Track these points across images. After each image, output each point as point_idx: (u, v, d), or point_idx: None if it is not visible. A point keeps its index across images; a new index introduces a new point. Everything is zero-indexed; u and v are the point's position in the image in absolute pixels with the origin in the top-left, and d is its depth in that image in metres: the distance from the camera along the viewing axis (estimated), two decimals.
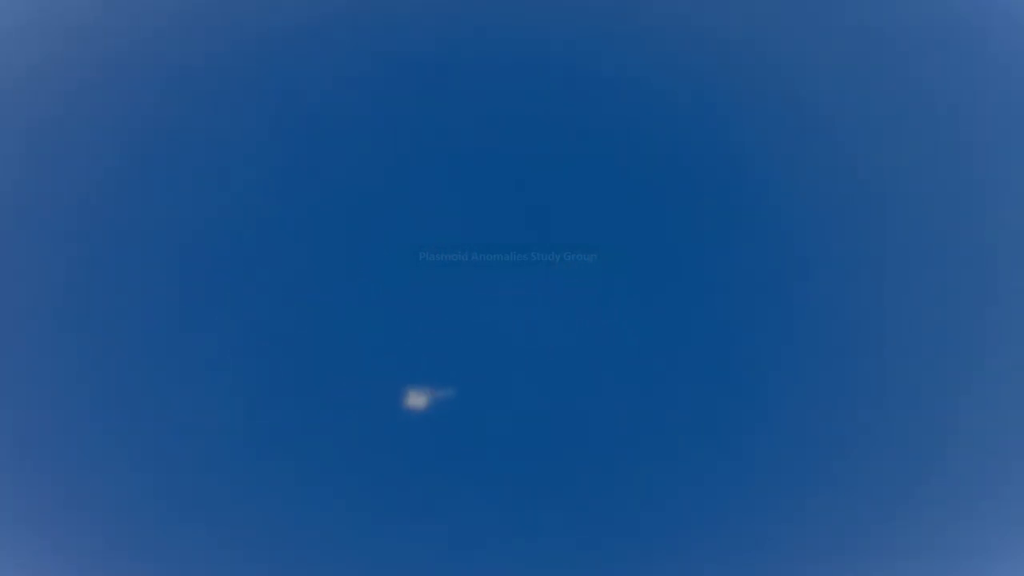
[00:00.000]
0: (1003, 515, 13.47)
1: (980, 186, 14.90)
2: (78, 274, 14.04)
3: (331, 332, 14.00)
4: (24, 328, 13.73)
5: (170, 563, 12.93)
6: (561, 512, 13.40)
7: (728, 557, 13.24)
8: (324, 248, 14.36)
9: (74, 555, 12.97)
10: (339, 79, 15.23)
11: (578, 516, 13.39)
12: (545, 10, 15.74)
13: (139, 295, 13.95)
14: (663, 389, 13.90)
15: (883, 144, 15.14)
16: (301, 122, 14.98)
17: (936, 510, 13.46)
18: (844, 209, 14.74)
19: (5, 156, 14.55)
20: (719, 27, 15.68)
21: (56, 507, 13.13)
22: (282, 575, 13.03)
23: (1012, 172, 14.99)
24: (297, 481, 13.35)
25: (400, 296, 14.18)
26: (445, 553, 13.14)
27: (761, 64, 15.52)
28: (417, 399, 12.23)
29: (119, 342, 13.73)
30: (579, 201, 14.72)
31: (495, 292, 14.20)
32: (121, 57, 15.19)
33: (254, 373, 13.71)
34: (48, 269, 14.03)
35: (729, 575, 13.19)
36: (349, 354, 13.94)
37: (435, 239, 14.39)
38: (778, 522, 13.39)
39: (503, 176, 14.88)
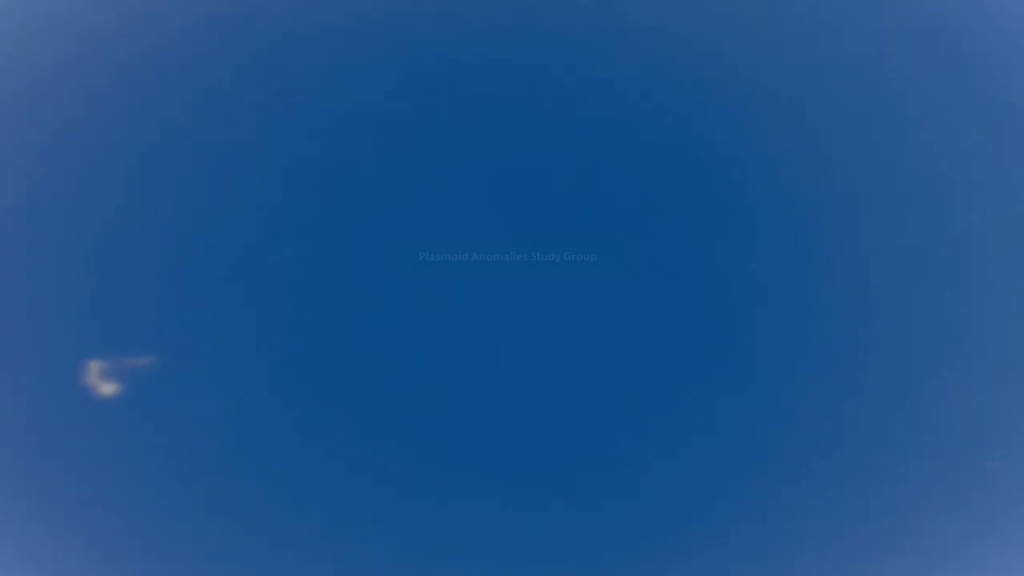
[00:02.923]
0: (993, 513, 13.51)
1: (981, 188, 14.91)
2: (82, 273, 14.06)
3: (330, 332, 14.02)
4: (25, 328, 13.76)
5: (167, 562, 12.96)
6: (561, 512, 13.43)
7: (729, 558, 13.27)
8: (323, 248, 14.37)
9: (76, 554, 13.01)
10: (339, 78, 15.24)
11: (578, 517, 13.42)
12: (546, 9, 15.73)
13: (139, 294, 13.98)
14: (663, 389, 13.92)
15: (887, 145, 15.14)
16: (300, 121, 14.98)
17: (935, 508, 13.50)
18: (847, 210, 14.76)
19: (6, 156, 14.58)
20: (721, 27, 15.67)
21: (59, 505, 13.17)
22: (281, 574, 13.07)
23: (1013, 175, 15.00)
24: (295, 481, 13.38)
25: (400, 296, 14.19)
26: (444, 553, 13.17)
27: (764, 64, 15.52)
28: None
29: (118, 341, 13.75)
30: (579, 201, 14.72)
31: (495, 292, 14.20)
32: (119, 57, 15.21)
33: (252, 373, 13.73)
34: (52, 268, 14.05)
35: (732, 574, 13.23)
36: (348, 354, 13.95)
37: (435, 239, 14.38)
38: (779, 522, 13.42)
39: (503, 176, 14.88)
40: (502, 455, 13.62)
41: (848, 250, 14.50)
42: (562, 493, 13.50)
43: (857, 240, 14.54)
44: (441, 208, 14.63)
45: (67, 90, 14.96)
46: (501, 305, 14.17)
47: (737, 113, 15.18)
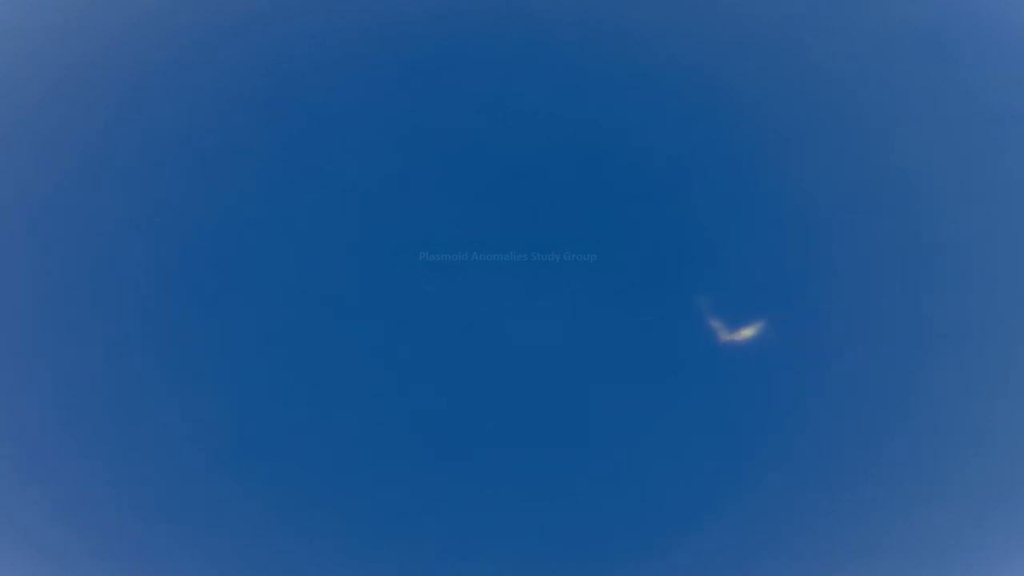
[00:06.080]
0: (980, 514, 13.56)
1: (981, 189, 14.90)
2: (75, 274, 14.08)
3: (329, 332, 14.03)
4: (20, 329, 13.77)
5: (170, 562, 13.01)
6: (560, 513, 13.47)
7: (728, 560, 13.31)
8: (322, 248, 14.38)
9: (79, 552, 13.07)
10: (338, 77, 15.22)
11: (577, 517, 13.45)
12: (546, 9, 15.69)
13: (136, 294, 13.99)
14: (664, 390, 13.94)
15: (889, 146, 15.13)
16: (300, 120, 14.97)
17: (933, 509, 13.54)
18: (848, 211, 14.74)
19: (7, 156, 14.58)
20: (720, 28, 15.64)
21: (62, 504, 13.22)
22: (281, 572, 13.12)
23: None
24: (294, 482, 13.42)
25: (400, 296, 14.20)
26: (443, 554, 13.21)
27: (764, 63, 15.48)
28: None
29: (116, 342, 13.77)
30: (579, 201, 14.72)
31: (495, 292, 14.21)
32: (119, 58, 15.19)
33: (250, 373, 13.75)
34: (46, 269, 14.06)
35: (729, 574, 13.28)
36: (348, 354, 13.97)
37: (435, 239, 14.38)
38: (778, 524, 13.46)
39: (503, 176, 14.87)
40: (501, 454, 13.65)
41: (844, 251, 14.51)
42: (561, 492, 13.54)
43: (854, 240, 14.55)
44: (441, 208, 14.63)
45: (66, 91, 14.94)
46: (501, 305, 14.18)
47: (737, 115, 15.17)
